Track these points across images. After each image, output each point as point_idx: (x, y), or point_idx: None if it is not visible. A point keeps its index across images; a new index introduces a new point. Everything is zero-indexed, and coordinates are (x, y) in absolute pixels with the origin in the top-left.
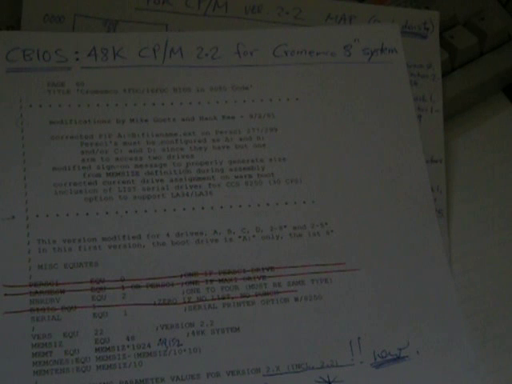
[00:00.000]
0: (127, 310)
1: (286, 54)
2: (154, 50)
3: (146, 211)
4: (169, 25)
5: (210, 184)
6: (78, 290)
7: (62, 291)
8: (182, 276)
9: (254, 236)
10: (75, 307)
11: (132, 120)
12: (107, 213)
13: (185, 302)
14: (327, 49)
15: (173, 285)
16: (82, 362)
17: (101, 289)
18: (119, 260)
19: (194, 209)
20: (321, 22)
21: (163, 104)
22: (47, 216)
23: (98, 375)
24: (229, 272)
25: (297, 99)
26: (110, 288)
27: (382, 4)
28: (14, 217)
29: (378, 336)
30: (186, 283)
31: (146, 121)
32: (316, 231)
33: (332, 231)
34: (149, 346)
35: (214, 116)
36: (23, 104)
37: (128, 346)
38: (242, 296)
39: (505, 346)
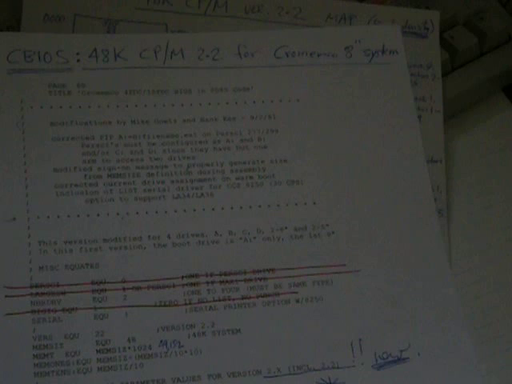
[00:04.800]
0: (128, 311)
1: (287, 56)
2: (155, 52)
3: (147, 213)
4: (169, 24)
5: (210, 185)
6: (79, 292)
7: (63, 293)
8: (182, 277)
9: (254, 237)
10: (76, 309)
11: (133, 121)
12: (108, 214)
13: (186, 304)
14: (328, 50)
15: (174, 286)
16: (83, 364)
17: (102, 290)
18: (120, 261)
19: (194, 210)
20: (321, 21)
21: (164, 105)
22: (48, 217)
23: (98, 377)
24: (230, 273)
25: (298, 100)
26: (110, 289)
27: (382, 4)
28: (14, 218)
29: (379, 337)
30: (186, 285)
31: (147, 122)
32: (317, 232)
33: (333, 232)
34: (150, 347)
35: (214, 117)
36: (24, 105)
37: (129, 348)
38: (243, 297)
39: (505, 346)
